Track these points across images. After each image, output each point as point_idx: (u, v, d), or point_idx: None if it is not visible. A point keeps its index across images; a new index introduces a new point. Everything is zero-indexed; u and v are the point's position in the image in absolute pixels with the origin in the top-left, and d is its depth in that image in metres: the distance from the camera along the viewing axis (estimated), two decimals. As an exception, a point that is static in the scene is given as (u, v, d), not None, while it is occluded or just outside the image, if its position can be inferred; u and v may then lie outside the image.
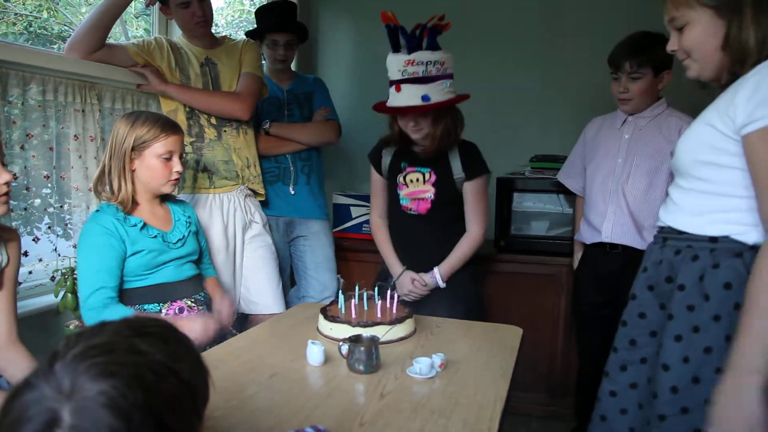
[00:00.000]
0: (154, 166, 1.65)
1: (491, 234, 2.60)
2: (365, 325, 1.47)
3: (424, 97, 1.80)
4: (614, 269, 2.04)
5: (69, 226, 1.91)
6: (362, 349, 1.30)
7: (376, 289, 1.65)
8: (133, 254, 1.61)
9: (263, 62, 2.48)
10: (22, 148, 1.73)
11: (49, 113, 1.81)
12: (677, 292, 1.12)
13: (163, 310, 1.66)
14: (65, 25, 3.09)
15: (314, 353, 1.34)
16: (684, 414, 1.09)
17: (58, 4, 3.09)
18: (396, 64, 1.81)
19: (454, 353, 1.42)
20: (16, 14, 2.91)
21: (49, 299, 1.84)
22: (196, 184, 2.13)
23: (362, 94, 3.16)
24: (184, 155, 1.77)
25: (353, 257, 2.76)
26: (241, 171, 2.18)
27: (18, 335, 1.39)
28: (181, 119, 2.08)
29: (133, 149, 1.62)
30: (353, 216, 2.90)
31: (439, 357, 1.32)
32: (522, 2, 2.95)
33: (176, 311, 1.68)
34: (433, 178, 2.00)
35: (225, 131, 2.15)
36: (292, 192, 2.48)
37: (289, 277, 2.61)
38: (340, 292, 1.64)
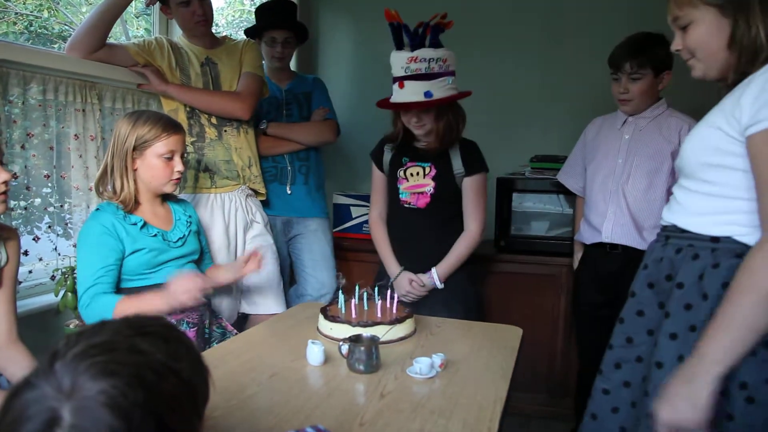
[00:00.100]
0: (155, 165, 1.65)
1: (491, 234, 2.60)
2: (365, 325, 1.47)
3: (427, 94, 1.83)
4: (614, 269, 2.04)
5: (69, 225, 1.91)
6: (362, 348, 1.30)
7: (376, 289, 1.65)
8: (132, 253, 1.61)
9: (263, 62, 2.48)
10: (22, 147, 1.73)
11: (50, 113, 1.81)
12: (676, 290, 1.12)
13: (164, 310, 1.66)
14: (66, 24, 3.09)
15: (314, 353, 1.34)
16: None
17: (58, 3, 3.09)
18: (399, 61, 1.84)
19: (454, 353, 1.42)
20: (16, 13, 2.91)
21: (49, 298, 1.84)
22: (197, 183, 2.13)
23: (362, 94, 3.16)
24: (185, 155, 1.77)
25: (353, 257, 2.76)
26: (242, 171, 2.18)
27: (18, 334, 1.39)
28: (181, 119, 2.08)
29: (134, 149, 1.63)
30: (353, 216, 2.90)
31: (439, 357, 1.32)
32: (522, 2, 2.96)
33: (177, 311, 1.67)
34: (433, 172, 2.01)
35: (226, 131, 2.15)
36: (289, 192, 2.48)
37: (288, 277, 2.61)
38: (341, 291, 1.64)
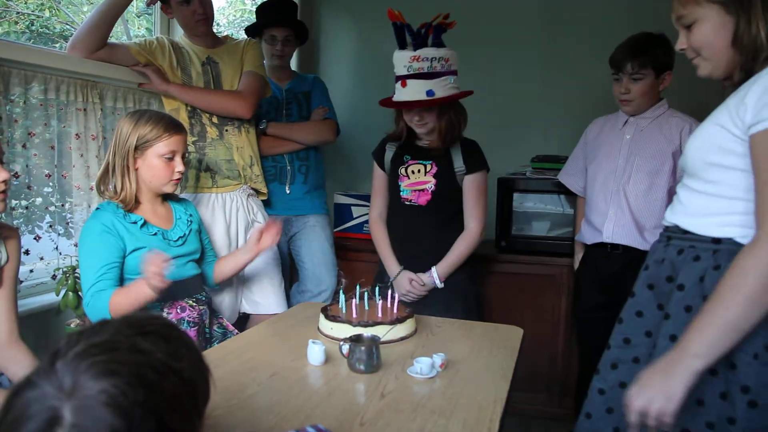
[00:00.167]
0: (156, 165, 1.65)
1: (492, 234, 2.60)
2: (366, 325, 1.47)
3: (429, 92, 1.84)
4: (615, 270, 2.04)
5: (70, 224, 1.91)
6: (363, 348, 1.30)
7: (377, 289, 1.65)
8: (133, 251, 1.61)
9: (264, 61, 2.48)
10: (23, 146, 1.74)
11: (51, 112, 1.81)
12: (676, 291, 1.11)
13: (165, 310, 1.66)
14: (67, 24, 3.10)
15: (315, 353, 1.34)
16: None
17: (60, 2, 3.09)
18: (402, 60, 1.86)
19: (455, 353, 1.42)
20: (18, 13, 2.91)
21: (50, 298, 1.84)
22: (198, 183, 2.13)
23: (363, 94, 3.16)
24: (186, 155, 1.77)
25: (354, 257, 2.76)
26: (243, 170, 2.18)
27: (19, 333, 1.39)
28: (183, 118, 2.08)
29: (136, 148, 1.63)
30: (354, 216, 2.90)
31: (439, 357, 1.32)
32: (522, 3, 2.95)
33: (178, 310, 1.68)
34: (435, 169, 2.02)
35: (227, 130, 2.15)
36: (288, 191, 2.49)
37: (289, 276, 2.61)
38: (341, 291, 1.64)
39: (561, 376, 2.55)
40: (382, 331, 1.46)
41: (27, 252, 1.74)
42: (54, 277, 1.86)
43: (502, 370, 1.35)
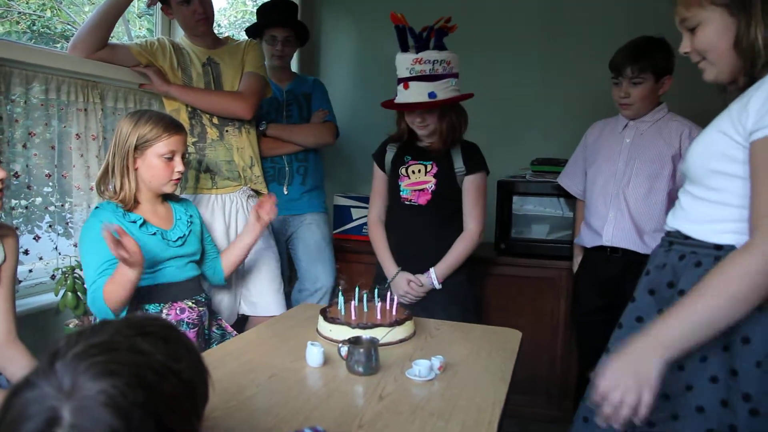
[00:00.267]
0: (155, 165, 1.65)
1: (491, 237, 2.60)
2: (365, 327, 1.47)
3: (431, 94, 1.86)
4: (615, 273, 2.04)
5: (70, 224, 1.91)
6: (362, 350, 1.30)
7: (376, 291, 1.66)
8: None
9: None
10: (24, 146, 1.74)
11: (52, 112, 1.82)
12: (677, 297, 1.11)
13: (164, 311, 1.66)
14: (68, 24, 3.10)
15: (314, 354, 1.34)
16: (674, 420, 1.08)
17: (61, 2, 3.09)
18: (404, 62, 1.88)
19: (454, 356, 1.42)
20: (19, 13, 2.91)
21: (49, 298, 1.84)
22: (198, 184, 2.13)
23: (363, 96, 3.17)
24: (186, 155, 1.78)
25: (354, 258, 2.76)
26: (243, 171, 2.18)
27: (17, 333, 1.38)
28: (183, 119, 2.08)
29: (135, 148, 1.63)
30: (354, 218, 2.90)
31: (438, 359, 1.32)
32: (522, 6, 2.96)
33: (177, 312, 1.68)
34: (435, 169, 2.03)
35: (227, 131, 2.15)
36: (286, 192, 2.49)
37: (287, 278, 2.61)
38: (340, 293, 1.64)
39: (560, 378, 2.55)
40: (380, 333, 1.46)
41: (26, 252, 1.75)
42: (53, 277, 1.86)
43: (501, 372, 1.35)
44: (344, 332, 1.47)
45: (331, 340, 1.49)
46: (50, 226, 1.87)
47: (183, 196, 2.05)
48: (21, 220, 1.78)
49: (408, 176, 2.06)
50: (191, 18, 2.09)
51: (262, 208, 1.85)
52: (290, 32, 2.53)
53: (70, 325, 1.81)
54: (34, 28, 3.04)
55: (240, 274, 2.17)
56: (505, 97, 2.98)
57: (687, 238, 1.13)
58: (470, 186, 2.04)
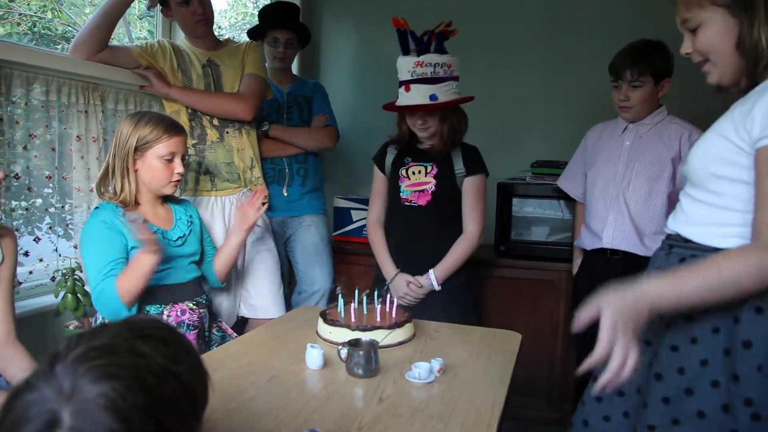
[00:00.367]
0: (155, 166, 1.65)
1: (491, 239, 2.60)
2: (364, 329, 1.47)
3: (432, 97, 1.88)
4: (615, 275, 2.03)
5: (70, 226, 1.91)
6: (361, 353, 1.30)
7: (376, 293, 1.66)
8: (132, 248, 1.62)
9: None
10: (24, 148, 1.74)
11: (52, 113, 1.82)
12: None
13: (165, 312, 1.66)
14: (69, 25, 3.10)
15: (313, 357, 1.34)
16: (675, 425, 1.07)
17: (62, 4, 3.10)
18: (406, 65, 1.89)
19: (453, 358, 1.42)
20: (20, 14, 2.92)
21: (49, 299, 1.84)
22: (197, 186, 2.13)
23: (364, 98, 3.17)
24: (186, 157, 1.78)
25: (354, 260, 2.76)
26: (243, 173, 2.19)
27: (16, 334, 1.38)
28: (183, 121, 2.09)
29: (135, 149, 1.63)
30: (354, 219, 2.90)
31: (437, 362, 1.32)
32: (522, 9, 2.96)
33: (178, 313, 1.68)
34: (435, 170, 2.05)
35: (227, 132, 2.15)
36: (285, 194, 2.49)
37: (288, 279, 2.61)
38: (340, 295, 1.64)
39: (559, 381, 2.55)
40: (380, 336, 1.46)
41: (26, 253, 1.75)
42: (53, 278, 1.86)
43: (500, 374, 1.35)
44: (344, 334, 1.47)
45: (331, 343, 1.49)
46: (50, 227, 1.87)
47: (183, 197, 2.05)
48: (21, 221, 1.78)
49: (408, 177, 2.07)
50: (191, 19, 2.10)
51: (251, 204, 1.85)
52: (292, 34, 2.53)
53: (70, 327, 1.81)
54: (35, 29, 3.05)
55: (239, 275, 2.17)
56: (505, 99, 2.98)
57: (687, 241, 1.13)
58: (470, 188, 2.05)
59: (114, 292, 1.52)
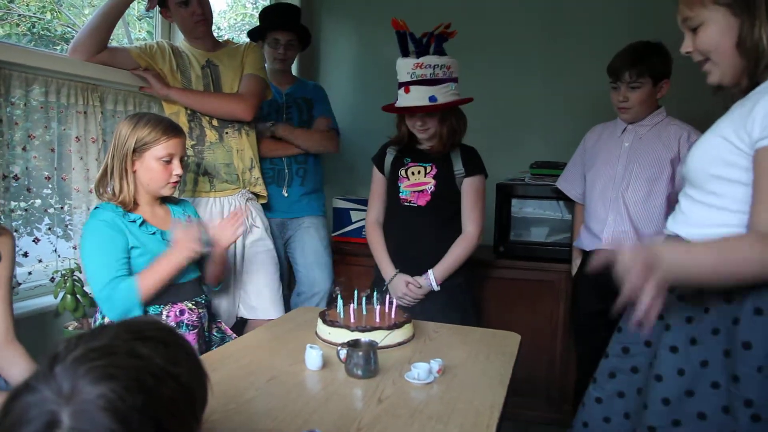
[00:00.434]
0: (154, 168, 1.65)
1: (490, 239, 2.60)
2: (364, 330, 1.48)
3: (431, 98, 1.89)
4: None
5: (69, 227, 1.91)
6: (360, 353, 1.30)
7: (375, 294, 1.66)
8: (132, 248, 1.62)
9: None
10: (23, 149, 1.74)
11: (51, 114, 1.82)
12: (677, 302, 1.11)
13: (164, 312, 1.66)
14: (68, 26, 3.10)
15: (312, 357, 1.34)
16: (675, 426, 1.08)
17: (61, 5, 3.10)
18: (405, 67, 1.90)
19: (452, 359, 1.42)
20: (19, 15, 2.91)
21: (48, 300, 1.84)
22: (196, 187, 2.13)
23: (363, 99, 3.17)
24: (185, 158, 1.78)
25: (353, 261, 2.76)
26: (243, 174, 2.19)
27: (15, 334, 1.38)
28: (182, 122, 2.09)
29: (134, 151, 1.63)
30: (353, 220, 2.90)
31: (437, 362, 1.33)
32: (522, 9, 2.97)
33: (177, 313, 1.68)
34: (434, 171, 2.05)
35: (227, 133, 2.15)
36: (285, 194, 2.50)
37: (287, 280, 2.61)
38: (339, 296, 1.64)
39: (559, 381, 2.55)
40: (379, 336, 1.46)
41: (26, 254, 1.75)
42: (52, 279, 1.86)
43: (500, 375, 1.35)
44: (343, 335, 1.47)
45: (330, 343, 1.49)
46: (49, 228, 1.87)
47: (181, 198, 2.05)
48: (20, 222, 1.78)
49: (407, 177, 2.08)
50: (190, 20, 2.10)
51: (228, 225, 1.77)
52: (293, 36, 2.53)
53: (70, 328, 1.81)
54: (34, 30, 3.04)
55: (238, 276, 2.17)
56: (505, 99, 2.98)
57: (687, 242, 1.13)
58: (469, 188, 2.05)
59: (134, 290, 1.55)
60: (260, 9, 2.81)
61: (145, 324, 0.65)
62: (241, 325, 2.22)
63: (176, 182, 1.71)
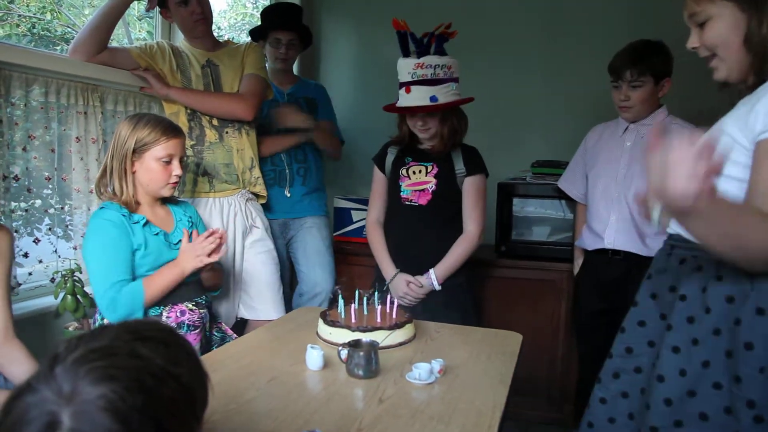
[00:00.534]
0: (153, 168, 1.65)
1: (492, 239, 2.60)
2: (365, 330, 1.47)
3: (432, 98, 1.89)
4: (616, 276, 2.04)
5: (69, 227, 1.91)
6: (361, 353, 1.30)
7: (376, 294, 1.66)
8: (137, 249, 1.62)
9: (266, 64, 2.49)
10: (24, 149, 1.74)
11: (52, 115, 1.82)
12: (678, 302, 1.10)
13: (164, 313, 1.66)
14: (68, 27, 3.10)
15: (313, 358, 1.34)
16: (677, 427, 1.07)
17: (61, 6, 3.10)
18: (406, 67, 1.91)
19: (454, 359, 1.42)
20: (19, 16, 2.92)
21: (48, 300, 1.84)
22: (195, 188, 2.13)
23: (364, 99, 3.17)
24: (184, 159, 1.78)
25: (354, 261, 2.76)
26: (242, 174, 2.18)
27: (14, 332, 1.38)
28: (182, 122, 2.08)
29: (134, 151, 1.63)
30: (354, 220, 2.90)
31: (438, 362, 1.32)
32: (522, 9, 2.96)
33: (177, 314, 1.68)
34: (435, 170, 2.06)
35: (227, 132, 2.15)
36: (288, 194, 2.50)
37: (288, 281, 2.61)
38: (340, 296, 1.64)
39: (560, 381, 2.55)
40: (380, 337, 1.46)
41: (26, 255, 1.75)
42: (53, 280, 1.86)
43: (501, 375, 1.34)
44: (344, 335, 1.46)
45: (331, 343, 1.49)
46: (50, 228, 1.86)
47: (181, 199, 2.05)
48: (21, 222, 1.78)
49: (408, 177, 2.08)
50: (189, 19, 2.09)
51: (195, 250, 1.65)
52: (294, 35, 2.53)
53: (70, 328, 1.81)
54: (35, 30, 3.04)
55: (238, 277, 2.17)
56: (506, 99, 2.98)
57: (688, 241, 1.12)
58: (470, 188, 2.05)
59: (139, 295, 1.56)
60: (260, 9, 2.81)
61: (146, 324, 0.65)
62: (241, 326, 2.22)
63: (176, 183, 1.71)
